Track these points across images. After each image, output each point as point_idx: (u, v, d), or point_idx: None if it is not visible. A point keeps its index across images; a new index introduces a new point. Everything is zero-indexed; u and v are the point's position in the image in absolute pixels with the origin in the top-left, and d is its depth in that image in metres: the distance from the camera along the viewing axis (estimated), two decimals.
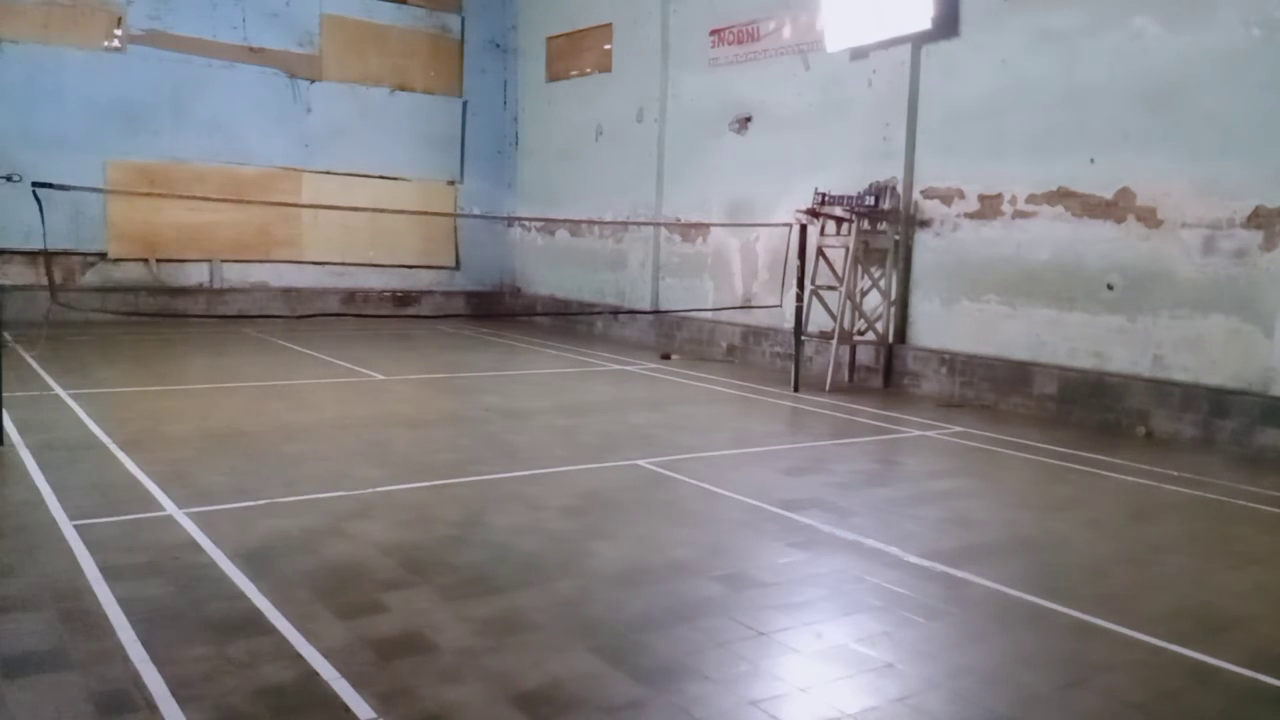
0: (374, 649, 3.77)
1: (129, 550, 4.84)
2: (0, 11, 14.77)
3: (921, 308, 11.49)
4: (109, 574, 4.46)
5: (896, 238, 11.55)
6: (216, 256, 16.60)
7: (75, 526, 5.14)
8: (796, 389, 11.03)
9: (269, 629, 3.93)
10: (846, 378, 11.83)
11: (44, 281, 12.70)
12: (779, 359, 12.86)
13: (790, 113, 13.16)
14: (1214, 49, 8.78)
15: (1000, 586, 4.81)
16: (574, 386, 11.18)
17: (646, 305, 15.69)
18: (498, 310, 19.16)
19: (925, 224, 11.43)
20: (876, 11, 11.41)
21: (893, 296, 11.60)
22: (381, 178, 17.71)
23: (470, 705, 3.37)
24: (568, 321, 17.41)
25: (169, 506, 5.60)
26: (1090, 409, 9.58)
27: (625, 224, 16.01)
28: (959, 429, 9.11)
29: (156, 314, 15.57)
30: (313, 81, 17.14)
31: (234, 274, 16.75)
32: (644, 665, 3.75)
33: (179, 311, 15.94)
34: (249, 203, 16.15)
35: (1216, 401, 8.70)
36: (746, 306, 13.61)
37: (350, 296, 17.71)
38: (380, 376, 11.16)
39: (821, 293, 11.75)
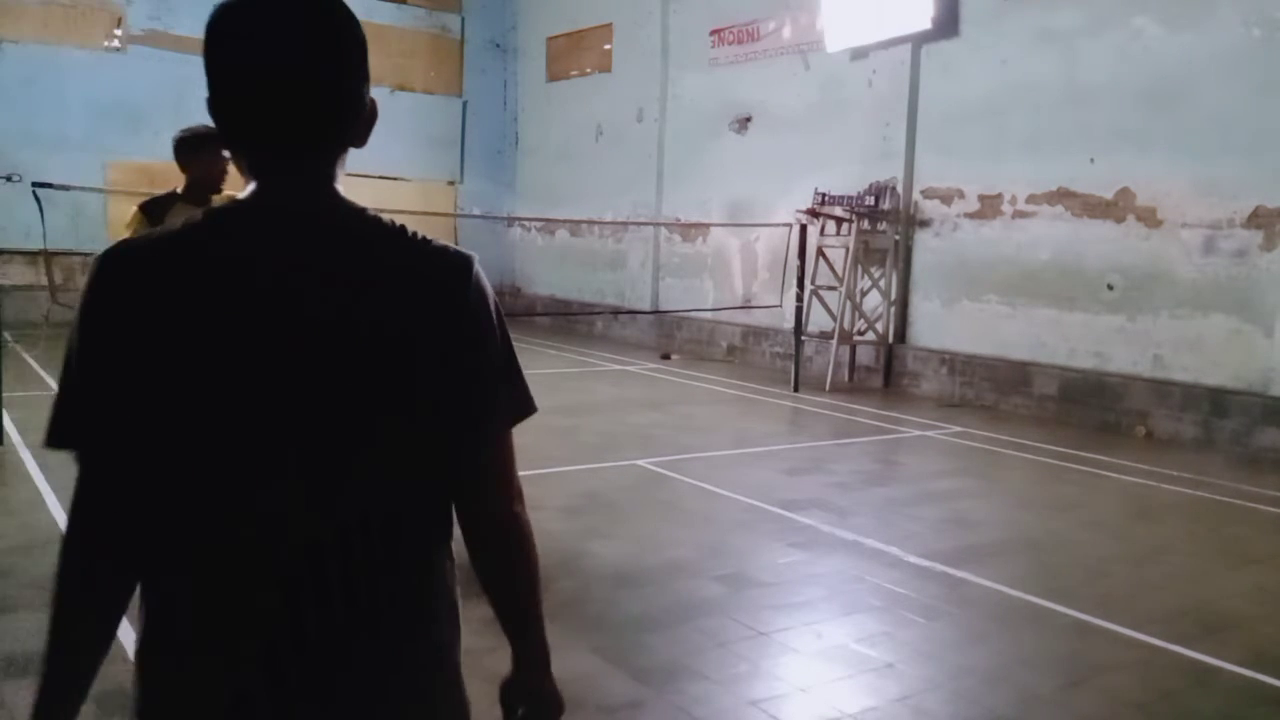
0: None
1: None
2: (0, 11, 14.78)
3: (921, 308, 11.49)
4: None
5: (896, 238, 11.55)
6: None
7: None
8: (796, 389, 11.03)
9: None
10: (846, 378, 11.83)
11: (44, 281, 12.70)
12: (779, 359, 12.85)
13: (790, 113, 13.16)
14: (1214, 49, 8.78)
15: (1000, 586, 4.81)
16: (574, 386, 11.18)
17: (646, 305, 15.68)
18: None
19: (925, 224, 11.43)
20: (876, 11, 11.40)
21: (893, 296, 11.60)
22: (381, 178, 17.69)
23: (470, 705, 3.37)
24: (568, 321, 17.41)
25: None
26: (1090, 409, 9.57)
27: (625, 224, 16.00)
28: (959, 429, 9.11)
29: None
30: None
31: None
32: (644, 665, 3.75)
33: None
34: None
35: (1216, 401, 8.70)
36: (746, 306, 13.61)
37: None
38: None
39: (821, 293, 11.75)
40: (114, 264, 1.20)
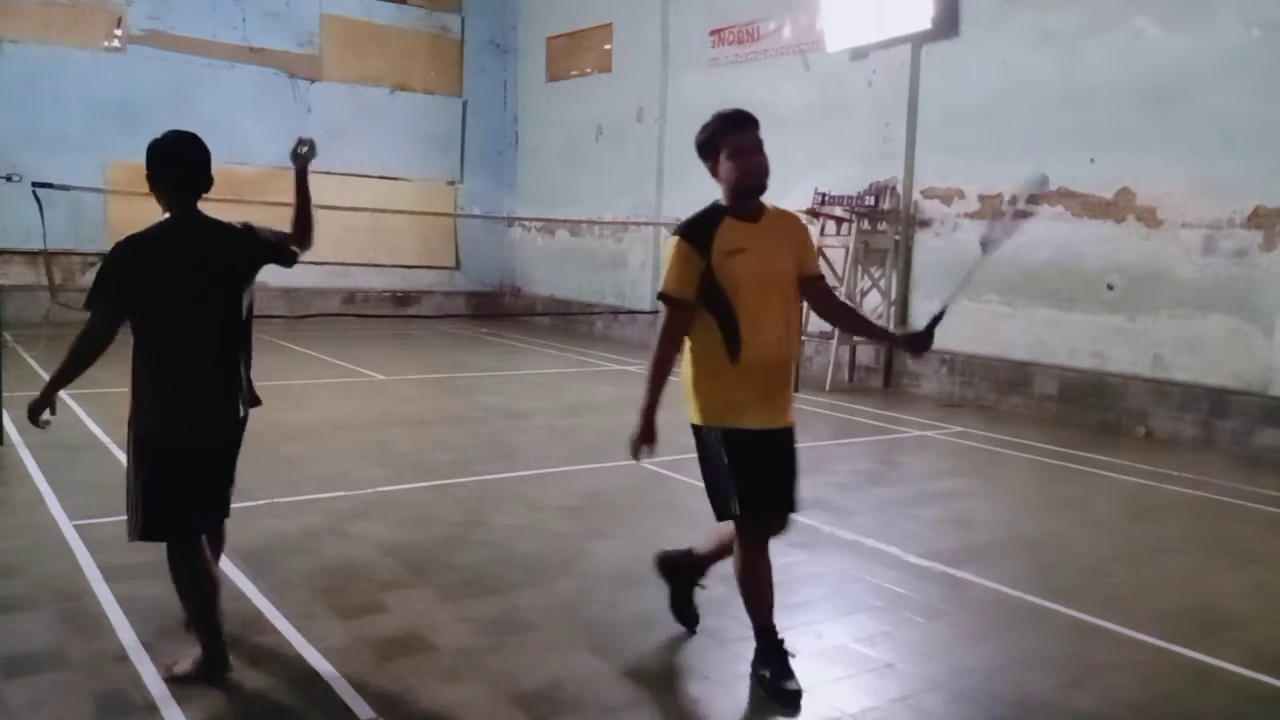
0: (374, 649, 3.77)
1: (129, 550, 4.81)
2: (0, 11, 14.77)
3: (922, 308, 11.48)
4: (109, 574, 4.46)
5: (896, 238, 11.55)
6: None
7: (75, 526, 5.14)
8: (796, 389, 10.98)
9: (269, 629, 3.94)
10: (846, 378, 11.83)
11: (44, 281, 12.69)
12: None
13: (790, 113, 13.13)
14: (1214, 49, 8.78)
15: (1000, 586, 4.81)
16: (574, 386, 11.18)
17: (646, 305, 15.67)
18: (498, 310, 19.15)
19: (925, 224, 11.43)
20: (876, 11, 11.41)
21: (893, 296, 11.60)
22: (381, 178, 17.68)
23: (470, 705, 3.37)
24: (568, 321, 17.41)
25: None
26: (1090, 409, 9.57)
27: (625, 224, 16.00)
28: (959, 429, 9.11)
29: None
30: (313, 81, 17.13)
31: None
32: (644, 665, 3.75)
33: None
34: (249, 203, 16.09)
35: (1216, 401, 8.70)
36: None
37: (350, 296, 17.69)
38: (380, 376, 11.16)
39: None
40: (126, 242, 3.30)
